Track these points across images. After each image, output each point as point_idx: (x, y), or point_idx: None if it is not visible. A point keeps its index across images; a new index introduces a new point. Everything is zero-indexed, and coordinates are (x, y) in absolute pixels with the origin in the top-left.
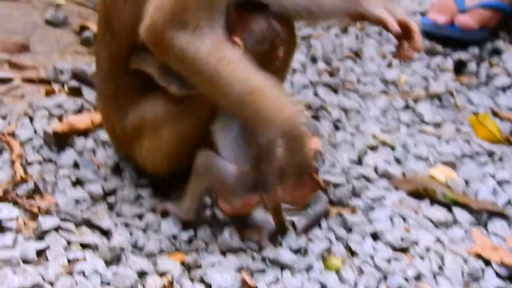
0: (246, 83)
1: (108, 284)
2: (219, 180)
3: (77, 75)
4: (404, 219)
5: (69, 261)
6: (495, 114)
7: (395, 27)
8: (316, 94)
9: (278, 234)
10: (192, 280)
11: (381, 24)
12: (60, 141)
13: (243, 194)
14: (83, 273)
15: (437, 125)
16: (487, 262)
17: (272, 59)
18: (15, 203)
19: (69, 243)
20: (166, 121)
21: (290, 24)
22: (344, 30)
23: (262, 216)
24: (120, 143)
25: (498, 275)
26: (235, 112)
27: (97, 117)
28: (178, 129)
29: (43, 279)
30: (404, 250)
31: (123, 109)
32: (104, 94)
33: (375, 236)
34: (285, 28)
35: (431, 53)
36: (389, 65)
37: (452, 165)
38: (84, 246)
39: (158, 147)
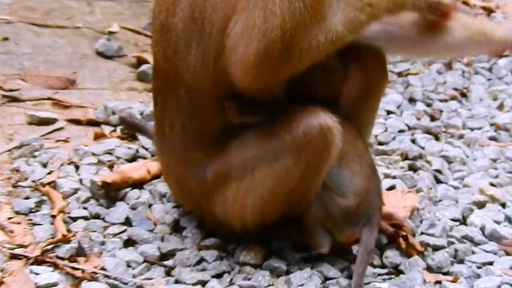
0: None
1: None
2: (327, 214)
3: (125, 121)
4: None
5: None
6: None
7: None
8: (413, 141)
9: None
10: None
11: None
12: (110, 193)
13: (347, 227)
14: None
15: None
16: None
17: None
18: (55, 265)
19: None
20: (259, 161)
21: (380, 56)
22: (448, 66)
23: None
24: (190, 198)
25: None
26: None
27: (154, 165)
28: (274, 167)
29: None
30: None
31: (199, 161)
32: (170, 150)
33: None
34: (374, 61)
35: None
36: (501, 107)
37: None
38: None
39: (249, 192)
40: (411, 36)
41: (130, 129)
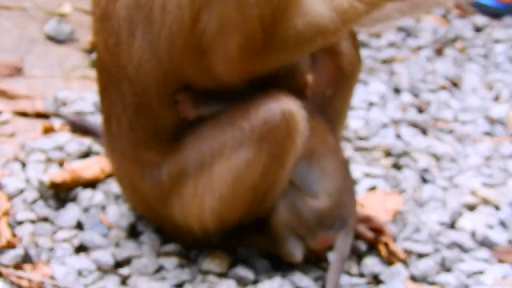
0: None
1: None
2: (298, 218)
3: (76, 124)
4: None
5: None
6: None
7: None
8: (398, 136)
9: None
10: None
11: None
12: (59, 194)
13: (320, 232)
14: None
15: None
16: None
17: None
18: None
19: None
20: (217, 154)
21: (351, 37)
22: (439, 52)
23: None
24: (146, 203)
25: None
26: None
27: (108, 163)
28: (233, 161)
29: None
30: None
31: (152, 161)
32: (119, 150)
33: None
34: (345, 43)
35: None
36: (496, 99)
37: None
38: None
39: (207, 189)
40: None
41: (81, 133)
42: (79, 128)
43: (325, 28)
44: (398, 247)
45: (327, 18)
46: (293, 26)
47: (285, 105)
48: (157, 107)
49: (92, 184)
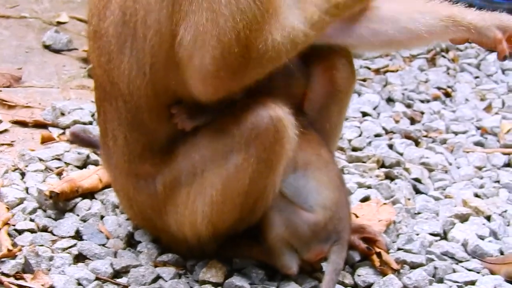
0: None
1: None
2: (293, 231)
3: (77, 136)
4: None
5: None
6: None
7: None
8: (391, 146)
9: None
10: None
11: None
12: (58, 203)
13: (315, 245)
14: None
15: None
16: None
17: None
18: (0, 283)
19: None
20: (208, 161)
21: (346, 53)
22: (432, 62)
23: None
24: (142, 214)
25: None
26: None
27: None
28: (223, 167)
29: None
30: None
31: (146, 173)
32: (115, 164)
33: None
34: (340, 59)
35: None
36: (488, 108)
37: None
38: None
39: (198, 196)
40: (371, 26)
41: (83, 146)
42: (82, 141)
43: (300, 40)
44: (391, 258)
45: (300, 28)
46: (271, 39)
47: (273, 111)
48: (150, 121)
49: (90, 194)
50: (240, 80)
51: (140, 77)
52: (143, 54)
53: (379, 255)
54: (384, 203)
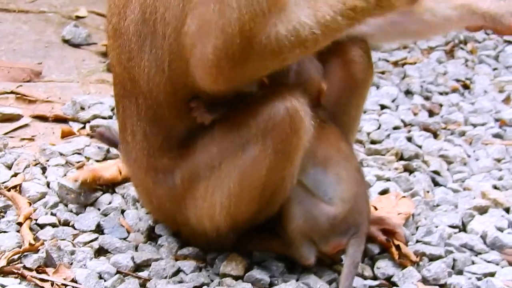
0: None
1: None
2: (312, 224)
3: (103, 136)
4: None
5: None
6: None
7: None
8: (409, 139)
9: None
10: None
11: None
12: (81, 195)
13: (333, 237)
14: None
15: None
16: None
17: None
18: (23, 277)
19: None
20: (226, 154)
21: (363, 46)
22: (450, 54)
23: None
24: (161, 208)
25: None
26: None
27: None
28: (241, 158)
29: None
30: None
31: (165, 167)
32: (134, 158)
33: None
34: (357, 52)
35: None
36: (507, 100)
37: None
38: None
39: (217, 188)
40: (390, 18)
41: (109, 145)
42: (108, 140)
43: (305, 36)
44: (409, 250)
45: (308, 27)
46: (275, 32)
47: (289, 102)
48: (170, 117)
49: (111, 186)
50: (240, 72)
51: (159, 74)
52: (162, 51)
53: (398, 247)
54: (403, 196)
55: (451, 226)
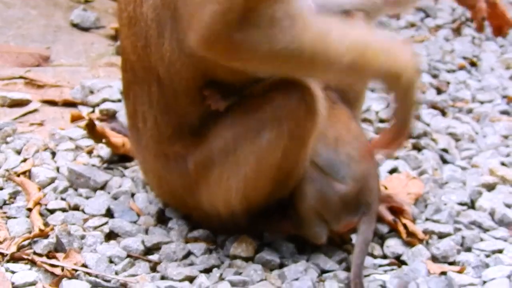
0: (354, 46)
1: None
2: (324, 202)
3: (115, 129)
4: None
5: None
6: None
7: None
8: (418, 117)
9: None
10: None
11: None
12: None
13: (345, 215)
14: None
15: None
16: None
17: None
18: (33, 263)
19: None
20: (240, 139)
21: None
22: (457, 32)
23: None
24: (173, 194)
25: None
26: (344, 78)
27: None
28: (255, 143)
29: None
30: None
31: (177, 154)
32: (144, 145)
33: None
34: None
35: None
36: None
37: None
38: None
39: (232, 173)
40: None
41: (120, 133)
42: (119, 133)
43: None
44: (417, 228)
45: (304, 25)
46: (274, 13)
47: (303, 86)
48: (185, 104)
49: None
50: (234, 43)
51: (180, 59)
52: (184, 35)
53: (405, 226)
54: (414, 177)
55: (460, 204)
